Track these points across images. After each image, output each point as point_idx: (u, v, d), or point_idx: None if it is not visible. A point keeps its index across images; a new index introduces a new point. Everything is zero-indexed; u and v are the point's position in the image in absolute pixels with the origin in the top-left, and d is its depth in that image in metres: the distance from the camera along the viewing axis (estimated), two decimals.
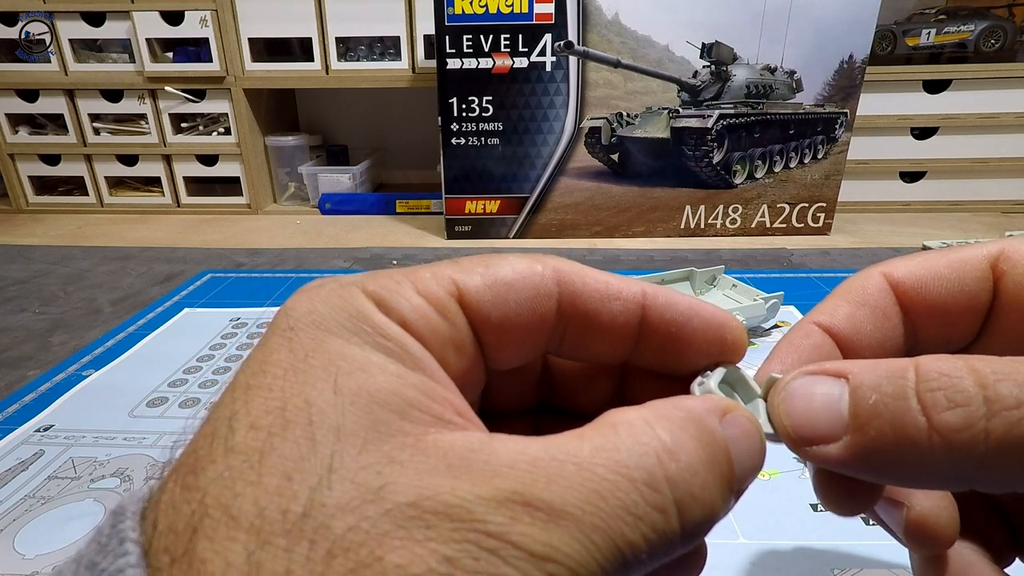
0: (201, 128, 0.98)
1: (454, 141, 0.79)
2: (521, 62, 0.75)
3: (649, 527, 0.10)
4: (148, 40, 0.90)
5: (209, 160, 0.98)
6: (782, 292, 0.46)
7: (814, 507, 0.27)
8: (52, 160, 0.99)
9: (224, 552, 0.09)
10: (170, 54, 0.93)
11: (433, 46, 0.80)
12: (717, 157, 0.79)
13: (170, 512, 0.10)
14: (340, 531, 0.09)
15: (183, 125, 0.98)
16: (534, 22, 0.73)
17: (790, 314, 0.51)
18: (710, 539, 0.22)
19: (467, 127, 0.78)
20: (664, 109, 0.78)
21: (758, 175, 0.81)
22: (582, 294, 0.14)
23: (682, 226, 0.83)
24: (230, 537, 0.09)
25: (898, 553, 0.24)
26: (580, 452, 0.10)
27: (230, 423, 0.10)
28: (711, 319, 0.15)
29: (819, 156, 0.80)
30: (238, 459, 0.10)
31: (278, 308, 0.13)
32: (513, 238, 0.83)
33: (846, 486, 0.14)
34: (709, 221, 0.83)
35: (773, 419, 0.14)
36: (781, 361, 0.15)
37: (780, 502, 0.27)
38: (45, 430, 0.40)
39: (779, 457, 0.30)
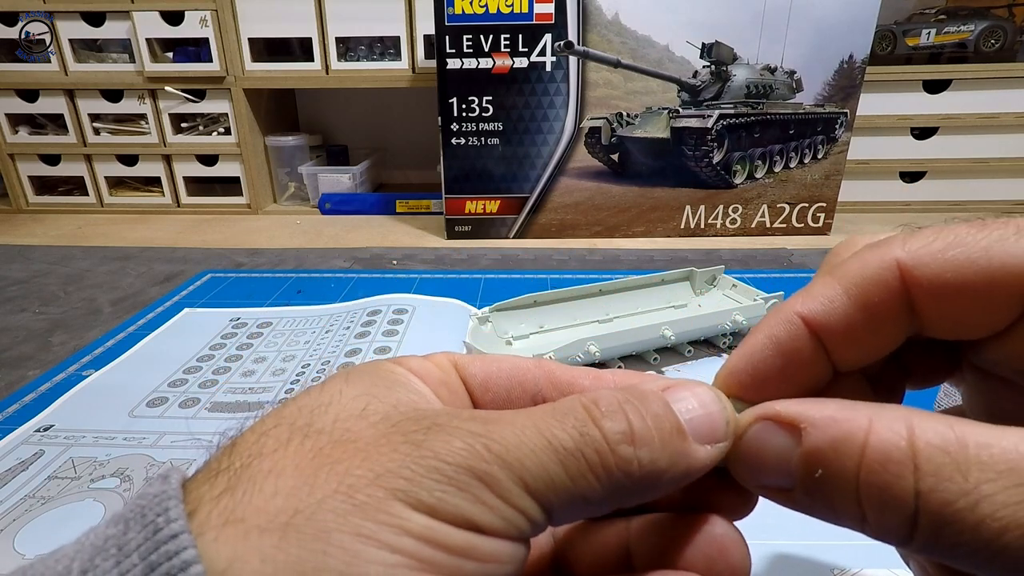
0: (201, 128, 0.98)
1: (454, 141, 0.79)
2: (521, 62, 0.75)
3: (568, 429, 0.13)
4: (148, 40, 0.90)
5: (209, 160, 0.98)
6: (782, 292, 0.46)
7: None
8: (52, 160, 0.99)
9: (254, 442, 0.13)
10: (170, 54, 0.93)
11: (433, 46, 0.80)
12: (717, 157, 0.79)
13: (213, 472, 0.13)
14: (327, 424, 0.13)
15: (183, 125, 0.98)
16: (534, 22, 0.73)
17: None
18: None
19: (467, 127, 0.78)
20: (664, 109, 0.78)
21: (758, 175, 0.81)
22: (558, 383, 0.17)
23: (682, 226, 0.83)
24: (260, 437, 0.13)
25: (899, 553, 0.24)
26: (507, 414, 0.14)
27: (282, 409, 0.14)
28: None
29: (819, 156, 0.80)
30: (282, 422, 0.13)
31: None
32: (513, 238, 0.83)
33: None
34: (709, 221, 0.83)
35: (729, 457, 0.15)
36: (755, 360, 0.16)
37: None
38: (45, 430, 0.39)
39: None
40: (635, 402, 0.14)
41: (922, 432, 0.11)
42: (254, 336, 0.52)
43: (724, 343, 0.45)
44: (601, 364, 0.41)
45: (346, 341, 0.50)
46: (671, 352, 0.44)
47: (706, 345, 0.45)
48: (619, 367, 0.41)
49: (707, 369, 0.42)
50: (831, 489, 0.12)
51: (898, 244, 0.14)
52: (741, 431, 0.14)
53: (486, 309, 0.44)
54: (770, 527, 0.25)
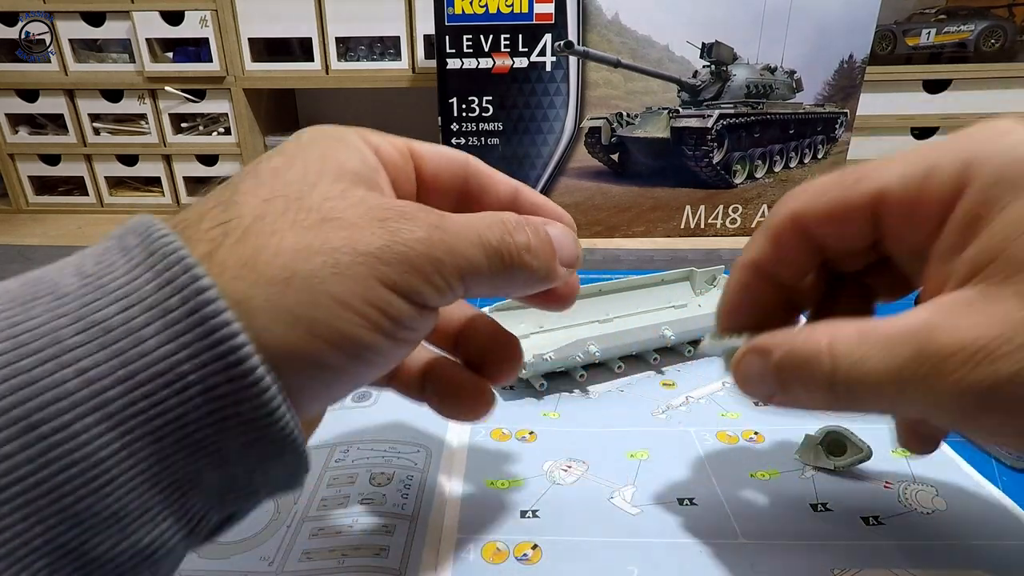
0: (201, 128, 0.98)
1: (454, 141, 0.79)
2: (521, 62, 0.75)
3: (494, 236, 0.18)
4: (148, 40, 0.90)
5: (209, 160, 0.98)
6: None
7: (814, 507, 0.27)
8: (52, 160, 0.99)
9: (246, 202, 0.16)
10: (170, 54, 0.93)
11: (433, 46, 0.80)
12: (717, 157, 0.79)
13: (201, 209, 0.17)
14: (317, 203, 0.16)
15: (183, 125, 0.98)
16: (534, 22, 0.73)
17: None
18: (710, 540, 0.23)
19: (467, 127, 0.78)
20: (664, 109, 0.78)
21: (758, 175, 0.81)
22: (479, 177, 0.23)
23: (682, 226, 0.83)
24: (247, 202, 0.16)
25: (897, 553, 0.25)
26: (453, 216, 0.18)
27: (256, 167, 0.17)
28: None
29: (819, 156, 0.80)
30: (261, 176, 0.17)
31: (300, 131, 0.20)
32: None
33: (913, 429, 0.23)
34: (709, 221, 0.83)
35: (736, 379, 0.21)
36: (734, 300, 0.23)
37: (780, 503, 0.27)
38: None
39: (780, 458, 0.30)
40: (534, 226, 0.19)
41: (836, 335, 0.18)
42: None
43: None
44: (601, 364, 0.41)
45: None
46: (671, 352, 0.43)
47: None
48: (619, 368, 0.41)
49: (706, 369, 0.42)
50: (791, 383, 0.19)
51: (793, 197, 0.21)
52: (738, 362, 0.21)
53: (486, 309, 0.44)
54: (770, 528, 0.26)
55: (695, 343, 0.43)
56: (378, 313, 0.15)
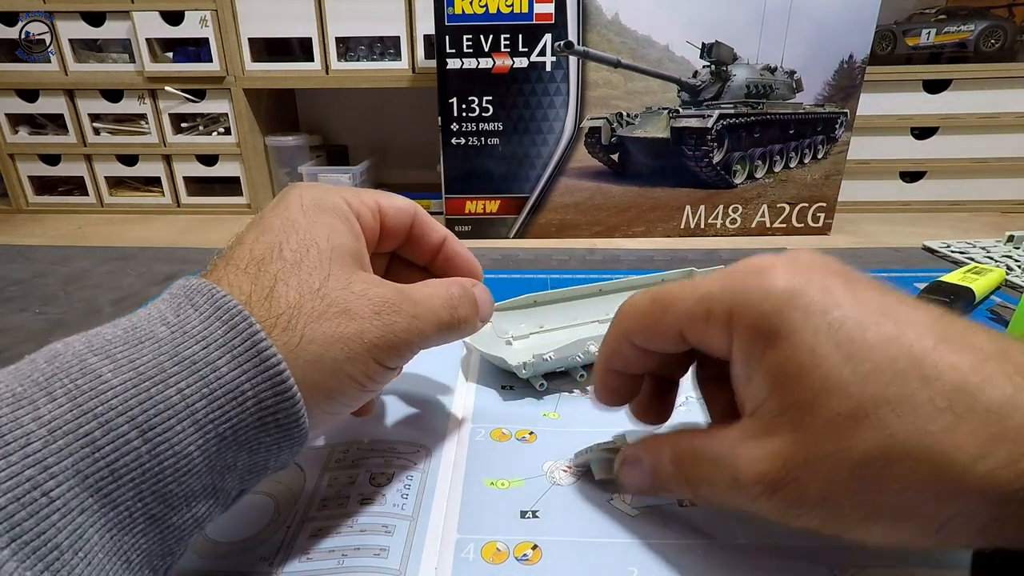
0: (201, 128, 0.98)
1: (454, 141, 0.79)
2: (521, 62, 0.75)
3: (446, 315, 0.26)
4: (148, 40, 0.90)
5: (209, 160, 0.98)
6: None
7: None
8: (52, 160, 0.99)
9: (287, 293, 0.21)
10: (170, 54, 0.93)
11: (433, 46, 0.80)
12: (717, 157, 0.79)
13: (248, 282, 0.22)
14: (334, 296, 0.22)
15: (183, 125, 0.98)
16: (534, 22, 0.73)
17: None
18: (710, 541, 0.24)
19: (467, 127, 0.78)
20: (664, 109, 0.78)
21: (758, 175, 0.81)
22: (422, 225, 0.30)
23: (682, 226, 0.83)
24: (287, 292, 0.21)
25: (896, 553, 0.25)
26: (417, 289, 0.25)
27: (280, 247, 0.23)
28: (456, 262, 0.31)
29: (819, 156, 0.80)
30: (288, 263, 0.22)
31: (287, 190, 0.26)
32: (513, 238, 0.83)
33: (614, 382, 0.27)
34: (709, 221, 0.83)
35: (618, 480, 0.27)
36: (606, 387, 0.28)
37: None
38: None
39: None
40: (467, 298, 0.27)
41: (675, 450, 0.24)
42: None
43: None
44: None
45: None
46: None
47: None
48: None
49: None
50: (660, 490, 0.25)
51: (622, 317, 0.25)
52: (618, 468, 0.26)
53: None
54: (771, 529, 0.25)
55: None
56: (370, 380, 0.23)
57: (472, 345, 0.39)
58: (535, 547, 0.24)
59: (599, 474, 0.29)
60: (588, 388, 0.38)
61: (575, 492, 0.28)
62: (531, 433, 0.33)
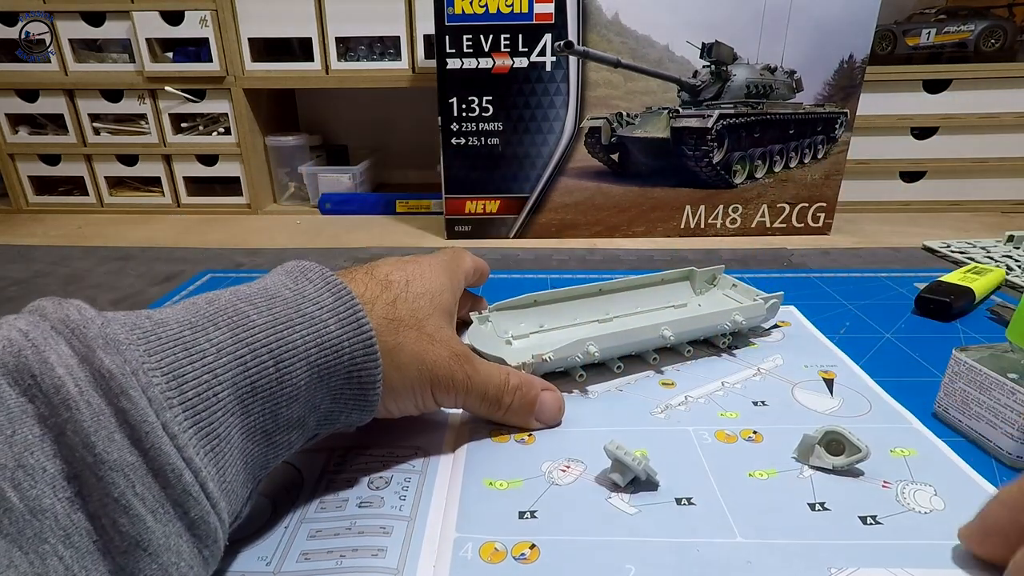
0: (201, 128, 0.98)
1: (454, 141, 0.79)
2: (521, 62, 0.75)
3: (492, 392, 0.32)
4: (148, 40, 0.90)
5: (209, 160, 0.98)
6: (782, 292, 0.46)
7: (812, 506, 0.27)
8: (52, 160, 0.99)
9: (398, 311, 0.29)
10: (170, 54, 0.93)
11: (433, 46, 0.80)
12: (717, 157, 0.79)
13: (376, 289, 0.29)
14: (429, 330, 0.30)
15: (183, 125, 0.98)
16: (534, 22, 0.73)
17: (790, 314, 0.51)
18: (708, 539, 0.24)
19: (467, 127, 0.78)
20: (664, 109, 0.78)
21: (758, 175, 0.81)
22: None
23: (682, 226, 0.83)
24: (398, 311, 0.29)
25: (895, 553, 0.25)
26: (485, 364, 0.33)
27: (407, 283, 0.31)
28: None
29: (819, 156, 0.80)
30: (408, 295, 0.30)
31: (439, 252, 0.36)
32: (513, 238, 0.83)
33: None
34: (709, 221, 0.83)
35: None
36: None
37: (777, 501, 0.27)
38: None
39: (778, 457, 0.31)
40: (523, 390, 0.33)
41: None
42: None
43: (723, 343, 0.44)
44: (600, 364, 0.41)
45: None
46: (671, 352, 0.43)
47: (705, 345, 0.45)
48: (618, 368, 0.40)
49: (705, 369, 0.42)
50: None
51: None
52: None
53: (488, 309, 0.44)
54: (767, 526, 0.26)
55: (694, 343, 0.43)
56: (422, 402, 0.30)
57: (473, 345, 0.39)
58: (533, 546, 0.25)
59: (799, 455, 0.31)
60: (588, 388, 0.38)
61: (574, 492, 0.28)
62: (530, 434, 0.33)
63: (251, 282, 0.26)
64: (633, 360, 0.42)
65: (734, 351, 0.44)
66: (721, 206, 0.82)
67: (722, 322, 0.42)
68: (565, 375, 0.40)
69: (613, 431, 0.31)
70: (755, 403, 0.36)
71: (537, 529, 0.26)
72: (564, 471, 0.30)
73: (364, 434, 0.32)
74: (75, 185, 1.02)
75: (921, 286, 0.54)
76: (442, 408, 0.33)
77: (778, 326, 0.49)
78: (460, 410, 0.35)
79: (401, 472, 0.29)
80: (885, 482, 0.29)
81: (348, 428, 0.29)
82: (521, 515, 0.26)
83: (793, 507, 0.27)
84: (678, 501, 0.27)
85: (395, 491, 0.28)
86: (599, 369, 0.41)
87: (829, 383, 0.39)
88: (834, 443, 0.30)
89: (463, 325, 0.44)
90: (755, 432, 0.33)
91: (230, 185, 1.00)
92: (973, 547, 0.24)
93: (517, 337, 0.43)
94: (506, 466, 0.30)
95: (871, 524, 0.26)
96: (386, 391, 0.28)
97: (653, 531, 0.25)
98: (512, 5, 0.73)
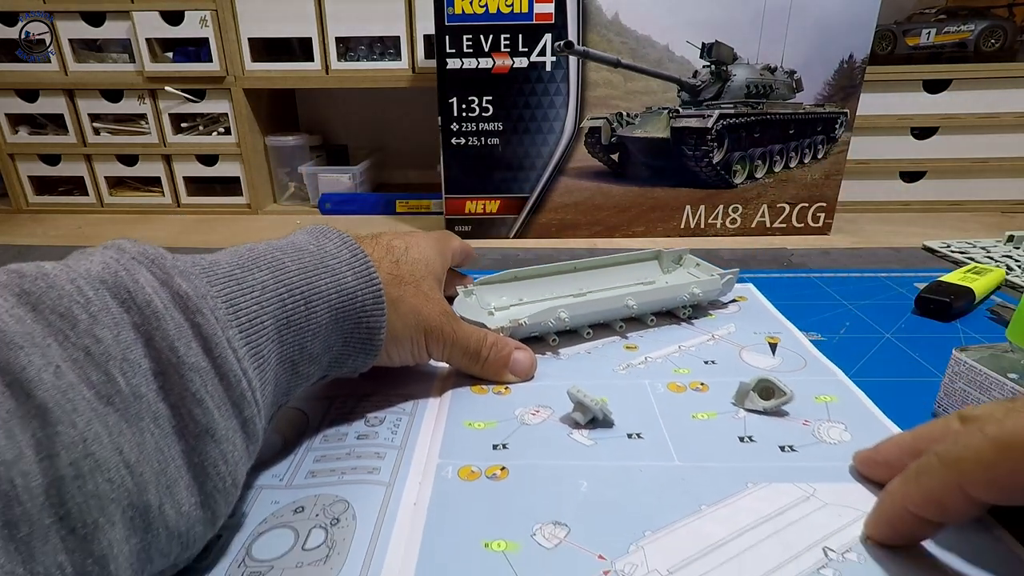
0: (201, 128, 0.98)
1: (454, 141, 0.79)
2: (521, 62, 0.75)
3: (474, 346, 0.38)
4: (148, 40, 0.90)
5: (209, 160, 0.98)
6: (737, 269, 0.51)
7: (741, 439, 0.32)
8: (52, 160, 0.99)
9: (401, 270, 0.35)
10: (170, 54, 0.93)
11: (433, 46, 0.80)
12: (717, 157, 0.79)
13: (380, 253, 0.34)
14: (424, 289, 0.35)
15: (183, 125, 0.98)
16: (534, 22, 0.73)
17: (747, 290, 0.56)
18: (651, 462, 0.30)
19: (467, 127, 0.78)
20: (664, 109, 0.78)
21: (758, 175, 0.81)
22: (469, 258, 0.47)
23: (682, 226, 0.83)
24: (401, 270, 0.35)
25: (802, 472, 0.30)
26: (464, 324, 0.38)
27: (407, 250, 0.36)
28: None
29: (819, 156, 0.80)
30: (407, 261, 0.35)
31: (427, 232, 0.41)
32: (513, 238, 0.83)
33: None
34: (709, 221, 0.83)
35: None
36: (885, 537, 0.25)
37: (713, 436, 0.33)
38: None
39: (719, 403, 0.36)
40: (499, 346, 0.38)
41: None
42: None
43: (684, 314, 0.50)
44: (572, 331, 0.45)
45: None
46: (636, 321, 0.48)
47: (668, 315, 0.50)
48: (588, 334, 0.45)
49: (666, 335, 0.47)
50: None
51: (955, 470, 0.21)
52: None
53: (473, 283, 0.48)
54: (702, 454, 0.31)
55: (658, 314, 0.48)
56: (417, 351, 0.36)
57: (459, 314, 0.43)
58: (503, 468, 0.29)
59: (736, 400, 0.35)
60: (560, 351, 0.43)
61: (540, 430, 0.33)
62: (506, 387, 0.38)
63: (280, 239, 0.31)
64: (602, 328, 0.47)
65: (693, 321, 0.49)
66: (721, 206, 0.82)
67: (681, 294, 0.48)
68: (540, 340, 0.44)
69: (580, 384, 0.34)
70: (706, 362, 0.41)
71: (507, 457, 0.30)
72: (534, 415, 0.34)
73: (363, 383, 0.37)
74: (75, 185, 1.02)
75: (921, 286, 0.54)
76: (431, 361, 0.39)
77: (736, 300, 0.53)
78: (446, 365, 0.40)
79: (394, 414, 0.34)
80: (805, 420, 0.34)
81: (352, 373, 0.33)
82: (494, 447, 0.31)
83: (725, 440, 0.32)
84: (629, 436, 0.32)
85: (388, 427, 0.33)
86: (571, 335, 0.45)
87: (773, 346, 0.44)
88: (766, 390, 0.35)
89: (449, 300, 0.47)
90: (702, 384, 0.38)
91: (230, 185, 1.00)
92: (863, 469, 0.29)
93: (498, 308, 0.48)
94: (484, 411, 0.35)
95: (788, 451, 0.31)
96: (388, 337, 0.32)
97: (606, 457, 0.30)
98: (512, 5, 0.73)
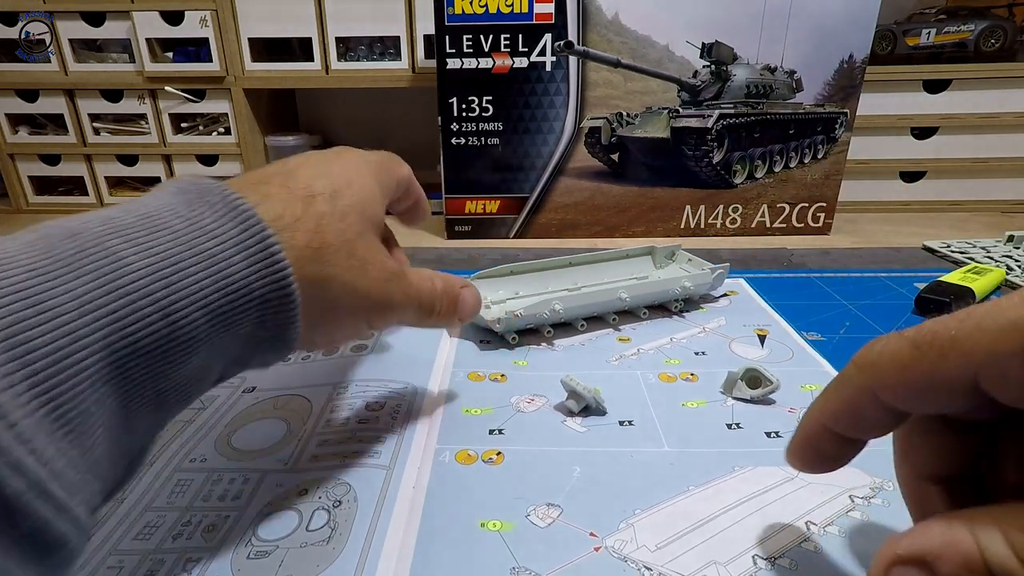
0: (201, 128, 0.98)
1: (454, 141, 0.79)
2: (521, 62, 0.75)
3: (427, 302, 0.28)
4: (148, 40, 0.90)
5: (209, 160, 0.98)
6: (728, 264, 0.51)
7: (729, 426, 0.33)
8: (52, 160, 0.99)
9: (326, 234, 0.23)
10: (170, 54, 0.93)
11: (433, 46, 0.80)
12: (717, 157, 0.79)
13: (299, 209, 0.23)
14: (361, 253, 0.24)
15: (183, 125, 0.98)
16: (534, 22, 0.73)
17: (739, 285, 0.57)
18: (640, 448, 0.31)
19: (467, 127, 0.78)
20: (664, 109, 0.78)
21: (758, 175, 0.81)
22: (412, 190, 0.32)
23: (682, 226, 0.83)
24: (326, 234, 0.23)
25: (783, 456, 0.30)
26: (413, 272, 0.28)
27: (334, 195, 0.24)
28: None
29: (819, 156, 0.80)
30: (335, 213, 0.24)
31: (346, 150, 0.27)
32: (513, 238, 0.83)
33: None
34: (709, 221, 0.83)
35: None
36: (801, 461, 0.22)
37: (702, 423, 0.34)
38: None
39: (708, 392, 0.36)
40: (449, 296, 0.30)
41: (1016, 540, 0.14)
42: None
43: (675, 307, 0.51)
44: (567, 324, 0.46)
45: None
46: (629, 314, 0.49)
47: (660, 309, 0.51)
48: (582, 326, 0.46)
49: (657, 328, 0.48)
50: None
51: (866, 366, 0.18)
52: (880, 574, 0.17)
53: (469, 278, 0.49)
54: (691, 440, 0.32)
55: (651, 307, 0.49)
56: (357, 332, 0.31)
57: None
58: (499, 453, 0.30)
59: (724, 389, 0.36)
60: (555, 343, 0.44)
61: (535, 417, 0.34)
62: (503, 375, 0.38)
63: (130, 204, 0.20)
64: (596, 320, 0.48)
65: (684, 314, 0.50)
66: (721, 206, 0.82)
67: (673, 288, 0.49)
68: (536, 332, 0.45)
69: (574, 374, 0.35)
70: (696, 353, 0.42)
71: (503, 442, 0.31)
72: (529, 403, 0.35)
73: (363, 369, 0.38)
74: (75, 185, 1.02)
75: (921, 286, 0.54)
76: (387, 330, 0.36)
77: (727, 295, 0.54)
78: (444, 355, 0.41)
79: (394, 400, 0.35)
80: (791, 408, 0.34)
81: (263, 367, 0.25)
82: (491, 432, 0.32)
83: (714, 427, 0.33)
84: (620, 423, 0.33)
85: (388, 413, 0.34)
86: (566, 328, 0.46)
87: (762, 338, 0.45)
88: (753, 379, 0.36)
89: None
90: (692, 374, 0.39)
91: None
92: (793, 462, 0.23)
93: (495, 302, 0.49)
94: (481, 398, 0.36)
95: (773, 437, 0.32)
96: (316, 327, 0.24)
97: (598, 443, 0.31)
98: (512, 5, 0.73)
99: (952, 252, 0.71)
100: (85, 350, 0.17)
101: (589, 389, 0.34)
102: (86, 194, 1.01)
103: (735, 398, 0.36)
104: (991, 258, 0.68)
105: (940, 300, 0.50)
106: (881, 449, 0.30)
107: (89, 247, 0.18)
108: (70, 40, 0.92)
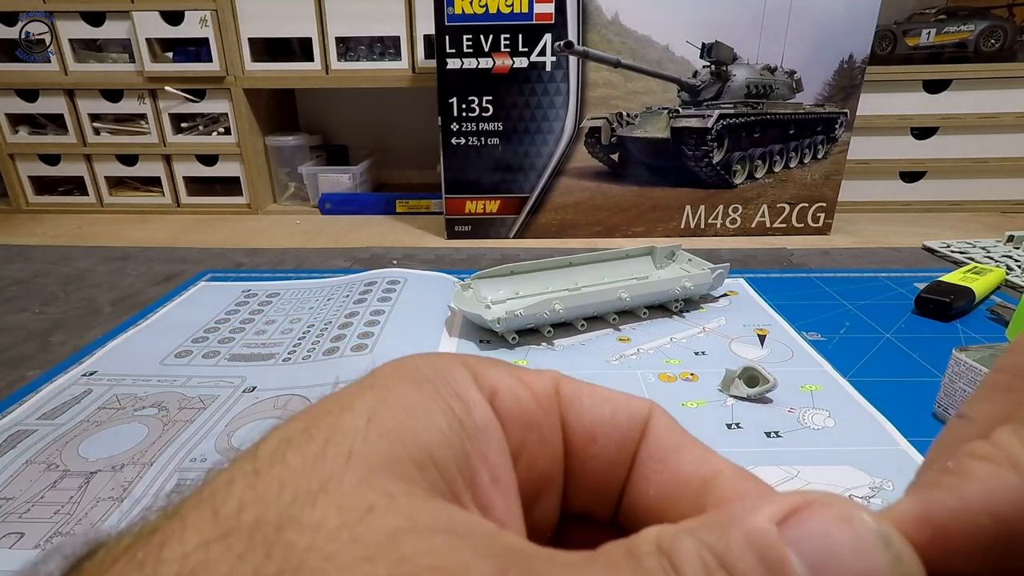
0: (201, 128, 0.98)
1: (454, 141, 0.79)
2: (521, 62, 0.75)
3: None
4: (148, 40, 0.90)
5: (209, 160, 0.98)
6: (728, 264, 0.51)
7: (729, 426, 0.34)
8: (52, 160, 0.99)
9: (185, 536, 0.09)
10: (170, 54, 0.93)
11: (433, 46, 0.80)
12: (717, 157, 0.79)
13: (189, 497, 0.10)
14: (300, 548, 0.08)
15: (183, 125, 0.98)
16: (534, 22, 0.73)
17: (739, 285, 0.57)
18: None
19: (467, 127, 0.78)
20: (664, 109, 0.78)
21: (758, 175, 0.81)
22: (660, 445, 0.14)
23: (682, 226, 0.83)
24: (199, 527, 0.09)
25: (787, 456, 0.32)
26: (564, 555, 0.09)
27: (268, 434, 0.11)
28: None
29: (819, 156, 0.80)
30: (251, 465, 0.10)
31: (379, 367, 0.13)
32: (513, 238, 0.83)
33: None
34: (709, 221, 0.83)
35: None
36: None
37: (701, 423, 0.34)
38: (91, 375, 0.46)
39: (708, 392, 0.37)
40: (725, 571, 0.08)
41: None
42: (264, 304, 0.58)
43: (676, 307, 0.51)
44: (567, 323, 0.46)
45: (345, 307, 0.55)
46: (629, 314, 0.50)
47: (660, 308, 0.51)
48: (582, 326, 0.46)
49: (658, 328, 0.48)
50: None
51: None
52: None
53: (469, 278, 0.49)
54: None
55: (651, 307, 0.50)
56: None
57: (456, 307, 0.44)
58: None
59: (722, 387, 0.36)
60: (555, 343, 0.44)
61: None
62: None
63: None
64: (596, 320, 0.48)
65: (684, 314, 0.51)
66: (721, 206, 0.82)
67: (673, 288, 0.49)
68: (536, 332, 0.45)
69: (573, 373, 0.36)
70: (696, 353, 0.43)
71: None
72: None
73: (363, 370, 0.42)
74: (75, 185, 1.02)
75: (921, 286, 0.54)
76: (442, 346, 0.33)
77: (727, 295, 0.55)
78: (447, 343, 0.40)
79: None
80: (791, 408, 0.36)
81: None
82: None
83: (714, 426, 0.34)
84: None
85: None
86: (566, 328, 0.47)
87: (762, 338, 0.45)
88: (751, 378, 0.36)
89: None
90: (692, 374, 0.39)
91: (230, 185, 1.00)
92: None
93: (495, 302, 0.49)
94: None
95: (773, 437, 0.33)
96: None
97: None
98: (512, 5, 0.73)
99: (952, 252, 0.71)
100: None
101: None
102: (86, 194, 1.01)
103: (732, 396, 0.37)
104: (991, 258, 0.68)
105: (940, 300, 0.50)
106: (881, 449, 0.31)
107: None
108: (70, 40, 0.92)
